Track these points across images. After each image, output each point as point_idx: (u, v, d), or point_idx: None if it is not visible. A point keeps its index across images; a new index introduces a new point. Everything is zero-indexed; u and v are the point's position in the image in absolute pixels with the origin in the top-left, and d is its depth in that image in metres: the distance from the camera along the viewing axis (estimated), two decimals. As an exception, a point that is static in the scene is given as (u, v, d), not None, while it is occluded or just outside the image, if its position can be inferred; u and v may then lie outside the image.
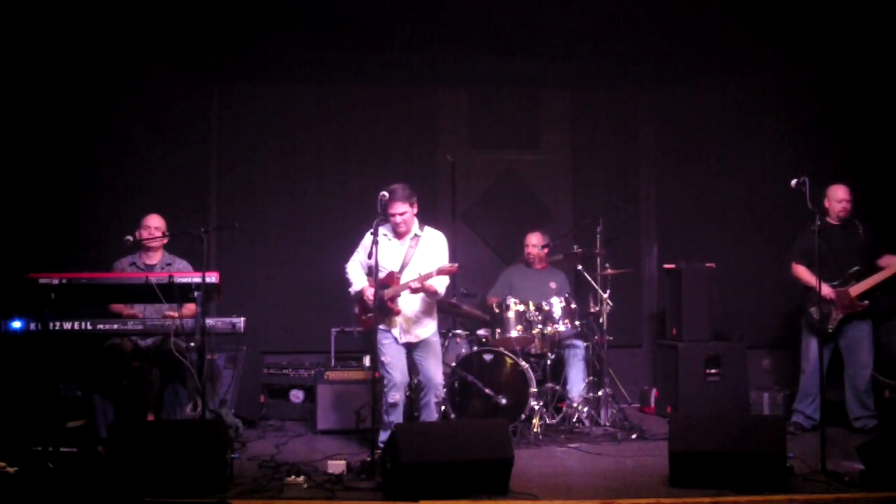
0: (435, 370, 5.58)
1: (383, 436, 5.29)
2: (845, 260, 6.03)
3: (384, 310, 5.41)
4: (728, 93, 7.75)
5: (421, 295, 5.47)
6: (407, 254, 5.54)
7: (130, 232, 5.51)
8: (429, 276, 5.31)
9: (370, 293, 5.38)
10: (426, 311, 5.59)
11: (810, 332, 6.24)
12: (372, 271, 5.41)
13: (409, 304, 5.50)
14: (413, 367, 5.66)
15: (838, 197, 6.13)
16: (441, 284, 5.48)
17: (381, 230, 5.50)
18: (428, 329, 5.61)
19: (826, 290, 6.02)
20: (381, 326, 5.47)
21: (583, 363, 6.65)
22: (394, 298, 5.42)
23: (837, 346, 6.20)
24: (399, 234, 5.55)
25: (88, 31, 6.41)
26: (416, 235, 5.57)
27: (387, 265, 5.48)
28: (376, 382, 5.23)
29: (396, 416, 5.42)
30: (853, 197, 6.18)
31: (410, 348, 5.58)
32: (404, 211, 5.44)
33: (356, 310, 5.69)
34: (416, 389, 5.90)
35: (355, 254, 5.66)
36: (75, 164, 6.50)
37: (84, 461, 5.12)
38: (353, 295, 5.63)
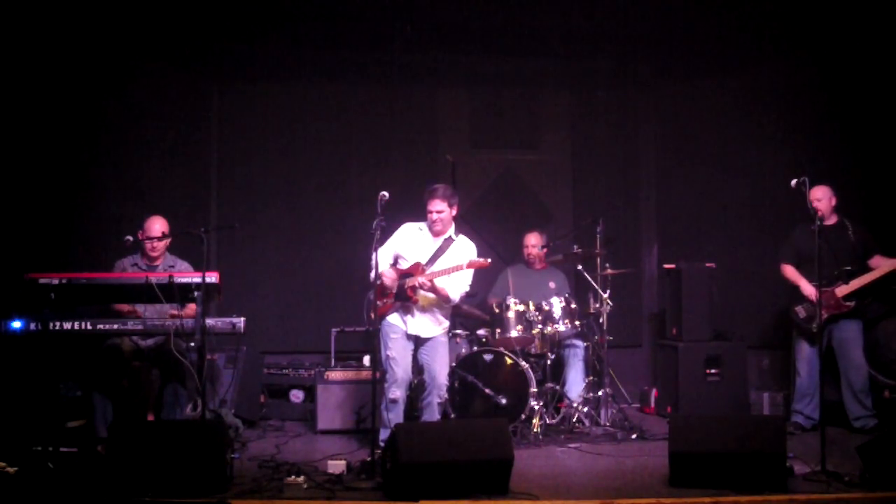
0: (440, 370, 5.58)
1: (384, 434, 5.30)
2: (836, 260, 6.02)
3: (402, 296, 5.44)
4: (728, 92, 7.75)
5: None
6: (437, 251, 5.57)
7: (131, 232, 5.49)
8: (446, 271, 5.38)
9: (389, 275, 5.44)
10: (442, 308, 5.61)
11: (799, 333, 6.27)
12: (397, 261, 5.59)
13: (427, 296, 5.51)
14: (416, 366, 5.66)
15: (811, 197, 6.09)
16: (454, 290, 5.50)
17: (418, 225, 5.62)
18: (439, 327, 5.62)
19: (810, 290, 6.05)
20: (389, 319, 5.49)
21: (583, 363, 6.65)
22: (414, 288, 5.43)
23: (830, 346, 6.20)
24: (435, 232, 5.59)
25: (89, 31, 6.41)
26: (450, 237, 5.62)
27: (415, 256, 5.53)
28: (377, 382, 5.22)
29: (396, 414, 5.42)
30: (830, 198, 6.14)
31: (417, 344, 5.57)
32: (442, 209, 5.51)
33: (372, 295, 5.68)
34: (416, 389, 5.89)
35: (387, 243, 5.61)
36: (75, 164, 6.50)
37: (84, 461, 5.12)
38: (373, 279, 5.55)
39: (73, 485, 4.58)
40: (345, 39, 7.19)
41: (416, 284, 5.39)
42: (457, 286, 5.50)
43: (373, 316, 5.51)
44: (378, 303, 5.51)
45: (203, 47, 7.23)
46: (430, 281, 5.39)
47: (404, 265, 5.57)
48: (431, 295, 5.49)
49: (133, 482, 4.34)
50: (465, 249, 5.63)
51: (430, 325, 5.58)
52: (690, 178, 7.94)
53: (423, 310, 5.53)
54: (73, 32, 6.32)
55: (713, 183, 7.78)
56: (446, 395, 5.75)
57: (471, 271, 5.46)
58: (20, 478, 4.63)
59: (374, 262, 5.38)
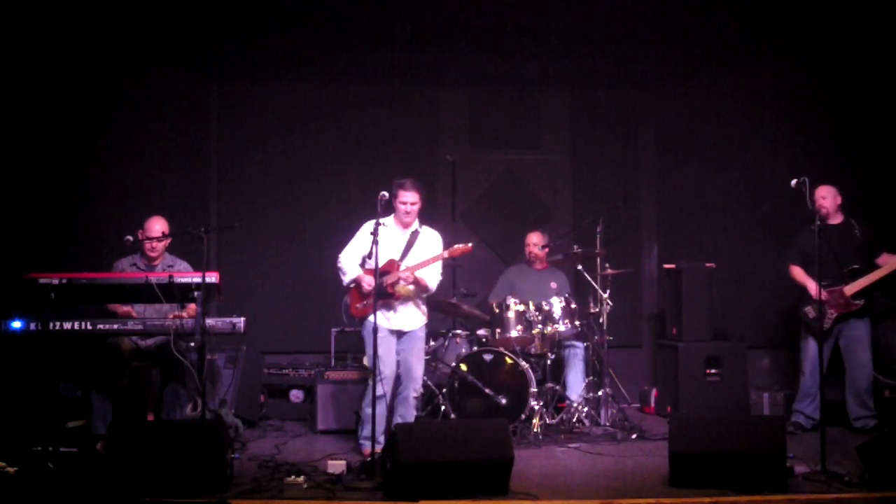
0: (416, 364, 5.63)
1: (366, 431, 5.38)
2: (843, 259, 6.02)
3: (383, 294, 5.46)
4: (728, 93, 7.75)
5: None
6: (407, 245, 5.61)
7: (130, 232, 5.48)
8: (428, 262, 5.45)
9: (369, 281, 5.44)
10: (421, 298, 5.66)
11: (807, 332, 6.26)
12: (366, 261, 5.57)
13: (406, 287, 5.55)
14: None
15: (816, 196, 6.09)
16: (433, 279, 5.57)
17: (381, 221, 5.55)
18: (417, 321, 5.66)
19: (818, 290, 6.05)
20: (371, 319, 5.49)
21: (583, 363, 6.65)
22: (393, 284, 5.47)
23: (837, 345, 6.20)
24: (404, 224, 5.62)
25: (88, 31, 6.41)
26: (416, 230, 5.67)
27: (387, 253, 5.55)
28: (375, 382, 5.24)
29: (381, 410, 5.42)
30: (835, 196, 6.16)
31: (398, 337, 5.61)
32: (415, 201, 5.56)
33: (348, 299, 5.70)
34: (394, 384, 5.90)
35: (350, 244, 5.67)
36: (75, 163, 6.50)
37: (84, 461, 5.11)
38: (347, 284, 5.65)
39: (73, 485, 4.58)
40: (345, 39, 7.19)
41: (401, 278, 5.43)
42: (434, 275, 5.59)
43: (355, 318, 5.62)
44: (358, 305, 5.58)
45: (203, 47, 7.23)
46: (412, 273, 5.44)
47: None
48: (411, 287, 5.53)
49: (133, 482, 4.34)
50: (433, 240, 5.71)
51: (413, 318, 5.62)
52: (690, 178, 7.94)
53: (405, 302, 5.57)
54: (73, 32, 6.33)
55: (713, 183, 7.78)
56: (422, 390, 5.81)
57: (463, 245, 5.49)
58: (20, 478, 4.63)
59: (342, 266, 5.58)
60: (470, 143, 8.11)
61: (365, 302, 5.54)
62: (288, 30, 6.97)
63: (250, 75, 7.78)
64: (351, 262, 5.62)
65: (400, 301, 5.54)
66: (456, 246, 5.50)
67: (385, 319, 5.54)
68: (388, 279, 5.46)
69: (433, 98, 8.07)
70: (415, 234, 5.65)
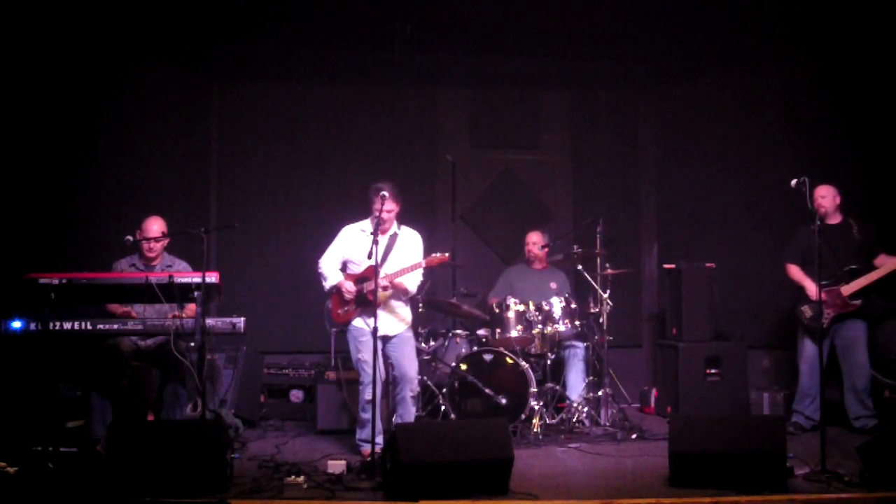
0: (409, 365, 5.63)
1: (361, 434, 5.50)
2: (841, 259, 6.04)
3: (363, 301, 5.48)
4: (728, 92, 7.74)
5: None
6: (387, 249, 5.62)
7: (130, 232, 5.48)
8: (405, 270, 5.48)
9: (349, 288, 5.50)
10: (401, 301, 5.68)
11: (804, 332, 6.27)
12: (346, 266, 5.65)
13: (385, 293, 5.56)
14: (386, 364, 5.68)
15: (816, 195, 6.08)
16: (412, 283, 5.60)
17: (359, 226, 5.67)
18: (403, 323, 5.67)
19: (816, 289, 6.04)
20: (354, 324, 5.55)
21: (583, 363, 6.65)
22: (373, 291, 5.45)
23: (833, 345, 6.21)
24: (382, 230, 5.61)
25: (88, 31, 6.41)
26: (395, 233, 5.68)
27: (366, 259, 5.56)
28: (377, 382, 5.23)
29: (370, 414, 5.43)
30: (834, 196, 6.16)
31: (384, 342, 5.60)
32: (391, 209, 5.56)
33: (330, 304, 5.73)
34: (390, 385, 5.91)
35: (330, 249, 5.70)
36: (75, 164, 6.49)
37: (84, 461, 5.12)
38: (328, 290, 5.67)
39: (73, 485, 4.58)
40: (345, 39, 7.18)
41: (379, 287, 5.41)
42: (414, 279, 5.61)
43: (338, 321, 5.66)
44: (339, 311, 5.63)
45: (203, 47, 7.22)
46: (390, 281, 5.47)
47: (356, 269, 5.60)
48: (390, 292, 5.55)
49: (133, 482, 4.34)
50: (413, 242, 5.72)
51: (395, 323, 5.63)
52: (690, 178, 7.93)
53: (385, 307, 5.56)
54: (73, 32, 6.32)
55: (713, 183, 7.78)
56: (418, 389, 5.82)
57: (440, 255, 5.52)
58: (20, 478, 4.64)
59: (322, 271, 5.60)
60: (470, 142, 8.11)
61: (346, 308, 5.59)
62: (288, 30, 6.97)
63: (250, 75, 7.78)
64: (331, 268, 5.65)
65: (380, 306, 5.51)
66: (433, 255, 5.50)
67: (367, 325, 5.52)
68: (367, 286, 5.46)
69: (433, 98, 8.07)
70: (394, 238, 5.66)
